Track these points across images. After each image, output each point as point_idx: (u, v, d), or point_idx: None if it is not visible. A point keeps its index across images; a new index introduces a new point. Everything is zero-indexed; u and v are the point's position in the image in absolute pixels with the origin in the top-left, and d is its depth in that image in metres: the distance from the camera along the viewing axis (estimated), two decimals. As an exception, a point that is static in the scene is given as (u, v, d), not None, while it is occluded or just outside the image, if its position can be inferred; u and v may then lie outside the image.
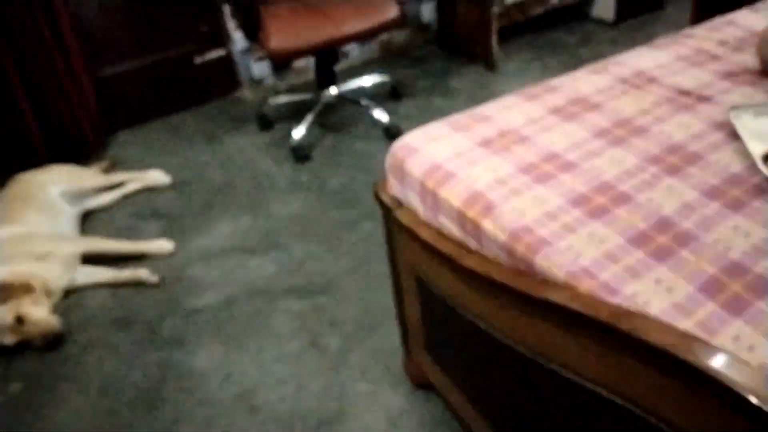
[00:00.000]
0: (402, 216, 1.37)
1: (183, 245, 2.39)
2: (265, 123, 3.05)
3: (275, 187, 2.65)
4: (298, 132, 2.82)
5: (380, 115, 2.87)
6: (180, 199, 2.65)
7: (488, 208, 1.16)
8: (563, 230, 1.08)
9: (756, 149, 1.18)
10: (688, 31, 1.73)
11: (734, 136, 1.25)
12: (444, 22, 3.54)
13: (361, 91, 3.16)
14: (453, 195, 1.23)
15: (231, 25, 3.11)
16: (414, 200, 1.34)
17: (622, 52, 1.69)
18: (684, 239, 1.02)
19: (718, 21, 1.77)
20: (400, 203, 1.40)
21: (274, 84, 3.36)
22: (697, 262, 0.98)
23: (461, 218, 1.21)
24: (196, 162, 2.86)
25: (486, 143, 1.33)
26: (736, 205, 1.09)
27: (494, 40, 3.25)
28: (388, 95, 3.18)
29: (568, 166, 1.22)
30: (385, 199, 1.43)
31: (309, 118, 2.85)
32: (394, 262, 1.55)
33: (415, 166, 1.32)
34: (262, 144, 2.95)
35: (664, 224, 1.06)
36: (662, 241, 1.03)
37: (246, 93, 3.32)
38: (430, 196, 1.28)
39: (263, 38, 2.52)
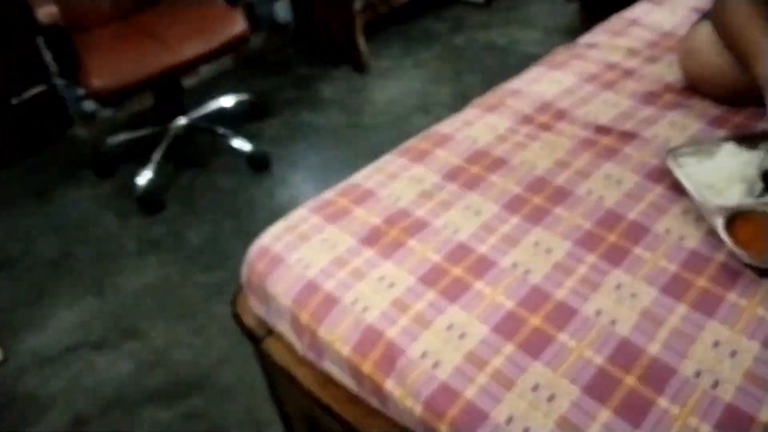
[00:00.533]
0: (273, 350, 1.00)
1: (13, 349, 1.89)
2: (105, 168, 2.54)
3: (123, 252, 2.18)
4: (145, 176, 2.35)
5: (241, 143, 2.46)
6: (5, 284, 2.13)
7: (391, 360, 0.83)
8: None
9: (714, 217, 0.91)
10: (588, 38, 1.47)
11: (677, 188, 0.99)
12: (302, 22, 3.14)
13: (217, 115, 2.71)
14: (339, 336, 0.88)
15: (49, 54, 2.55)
16: (286, 331, 0.98)
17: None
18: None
19: (618, 20, 1.52)
20: (269, 329, 1.04)
21: (112, 116, 2.83)
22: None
23: (355, 372, 0.87)
24: (23, 230, 2.33)
25: (372, 238, 1.00)
26: (708, 304, 0.83)
27: (361, 39, 2.90)
28: (248, 114, 2.76)
29: (490, 273, 0.90)
30: (248, 322, 1.06)
31: (156, 156, 2.38)
32: (277, 399, 1.18)
33: (281, 288, 0.96)
34: (103, 195, 2.45)
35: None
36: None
37: (79, 131, 2.77)
38: (308, 333, 0.92)
39: (82, 76, 2.03)
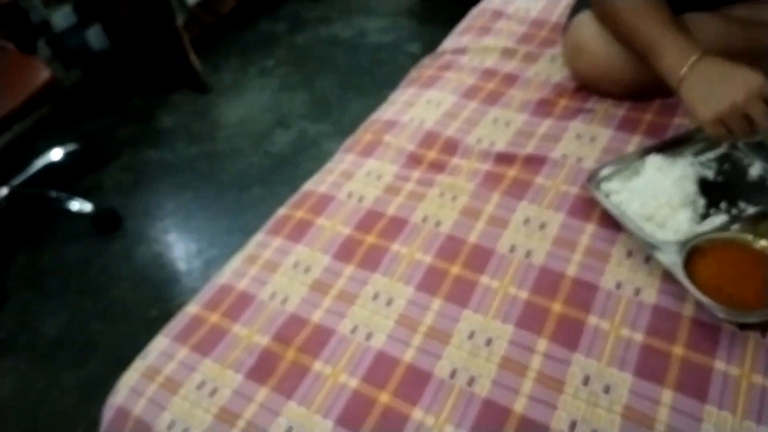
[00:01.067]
0: None
1: None
2: None
3: (-38, 368, 1.80)
4: (-30, 267, 1.95)
5: (80, 204, 2.10)
6: None
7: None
8: None
9: (666, 258, 0.79)
10: (453, 42, 1.30)
11: (609, 221, 0.87)
12: (121, 47, 2.76)
13: (44, 175, 2.31)
14: None
15: None
16: None
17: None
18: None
19: (480, 14, 1.38)
20: None
21: None
22: None
23: None
24: None
25: (262, 370, 0.79)
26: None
27: (193, 56, 2.59)
28: (82, 166, 2.38)
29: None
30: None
31: (-21, 241, 1.98)
32: None
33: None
34: None
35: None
36: None
37: None
38: None
39: None
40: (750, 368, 0.69)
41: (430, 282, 0.84)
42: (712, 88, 0.83)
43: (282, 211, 1.00)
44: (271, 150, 2.27)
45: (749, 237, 0.80)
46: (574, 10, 1.12)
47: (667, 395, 0.68)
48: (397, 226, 0.93)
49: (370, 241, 0.91)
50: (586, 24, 1.05)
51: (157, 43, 2.61)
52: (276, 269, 0.90)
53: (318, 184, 1.03)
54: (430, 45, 2.33)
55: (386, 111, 1.16)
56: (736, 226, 0.81)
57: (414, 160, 1.03)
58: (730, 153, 0.93)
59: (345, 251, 0.91)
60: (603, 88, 1.07)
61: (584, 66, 1.07)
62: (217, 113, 2.55)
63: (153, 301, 1.83)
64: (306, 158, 2.20)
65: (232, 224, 2.02)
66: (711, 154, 0.94)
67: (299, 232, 0.95)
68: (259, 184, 2.13)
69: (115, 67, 2.86)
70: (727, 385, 0.68)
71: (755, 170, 0.90)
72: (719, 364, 0.70)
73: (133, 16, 2.61)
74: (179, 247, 1.99)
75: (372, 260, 0.88)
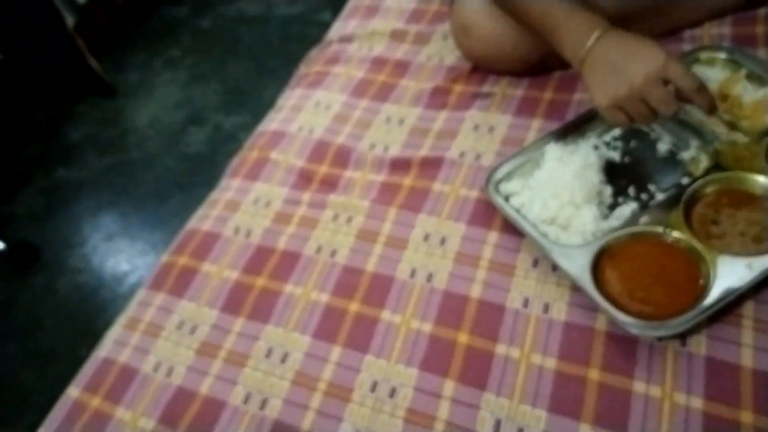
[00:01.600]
0: None
1: None
2: None
3: None
4: None
5: (-9, 241, 1.96)
6: None
7: None
8: None
9: (573, 268, 0.72)
10: (339, 29, 1.18)
11: (513, 228, 0.79)
12: (13, 55, 2.55)
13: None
14: None
15: None
16: None
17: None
18: None
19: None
20: None
21: None
22: None
23: None
24: None
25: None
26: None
27: (92, 59, 2.40)
28: (-10, 193, 2.22)
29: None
30: None
31: None
32: None
33: None
34: None
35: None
36: None
37: None
38: None
39: None
40: (671, 386, 0.63)
41: (329, 326, 0.76)
42: (610, 70, 0.73)
43: (164, 258, 0.90)
44: (187, 151, 2.14)
45: (660, 229, 0.73)
46: None
47: (585, 430, 0.62)
48: (289, 263, 0.84)
49: (260, 285, 0.83)
50: (472, 1, 0.95)
51: (51, 50, 2.42)
52: (159, 333, 0.81)
53: (201, 220, 0.93)
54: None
55: (273, 120, 1.06)
56: (645, 218, 0.74)
57: (304, 179, 0.94)
58: (637, 130, 0.85)
59: (233, 301, 0.82)
60: (497, 68, 0.98)
61: (474, 47, 0.97)
62: (127, 117, 2.39)
63: (82, 337, 1.73)
64: (224, 155, 2.05)
65: (154, 239, 1.90)
66: (616, 132, 0.86)
67: (183, 283, 0.86)
68: (178, 191, 2.01)
69: (11, 81, 2.66)
70: (649, 411, 0.62)
71: (664, 145, 0.83)
72: (638, 386, 0.64)
73: (20, 22, 2.40)
74: (103, 274, 1.88)
75: (264, 308, 0.80)
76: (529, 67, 0.96)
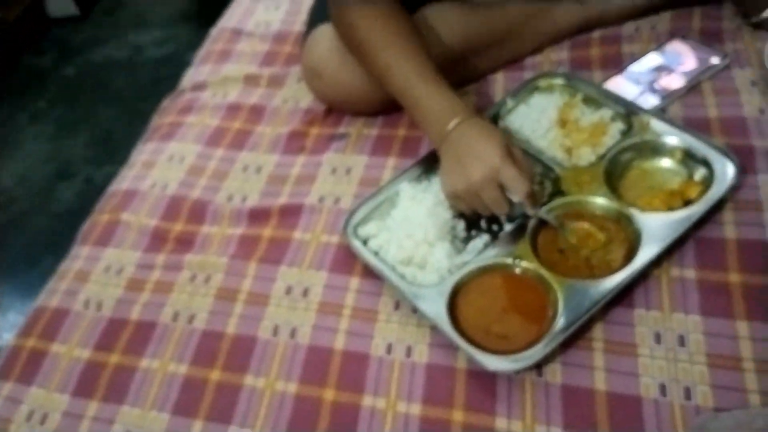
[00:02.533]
0: None
1: None
2: None
3: None
4: None
5: None
6: None
7: None
8: None
9: (432, 304, 0.71)
10: (192, 76, 1.15)
11: (376, 275, 0.78)
12: None
13: None
14: None
15: None
16: None
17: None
18: None
19: (219, 35, 1.23)
20: None
21: None
22: None
23: None
24: None
25: None
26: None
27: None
28: None
29: None
30: None
31: None
32: None
33: None
34: None
35: None
36: None
37: None
38: None
39: None
40: (531, 419, 0.64)
41: (188, 400, 0.72)
42: (456, 162, 0.75)
43: (12, 342, 0.83)
44: (57, 209, 2.02)
45: (509, 260, 0.74)
46: (311, 23, 1.01)
47: (452, 478, 0.62)
48: (144, 334, 0.79)
49: (114, 362, 0.77)
50: (322, 41, 0.94)
51: None
52: (7, 428, 0.74)
53: (50, 295, 0.86)
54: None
55: (124, 178, 1.00)
56: (496, 250, 0.75)
57: (158, 239, 0.89)
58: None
59: (85, 384, 0.76)
60: (350, 109, 0.98)
61: (325, 89, 0.96)
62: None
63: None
64: (98, 210, 1.98)
65: (27, 308, 1.77)
66: (466, 165, 0.87)
67: (32, 368, 0.79)
68: (50, 254, 1.88)
69: None
70: (511, 448, 0.62)
71: (511, 174, 0.85)
72: (500, 422, 0.64)
73: None
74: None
75: (118, 388, 0.75)
76: (381, 107, 0.96)
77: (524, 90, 0.93)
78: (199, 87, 1.12)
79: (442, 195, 0.81)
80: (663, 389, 0.64)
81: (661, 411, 0.62)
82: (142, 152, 1.04)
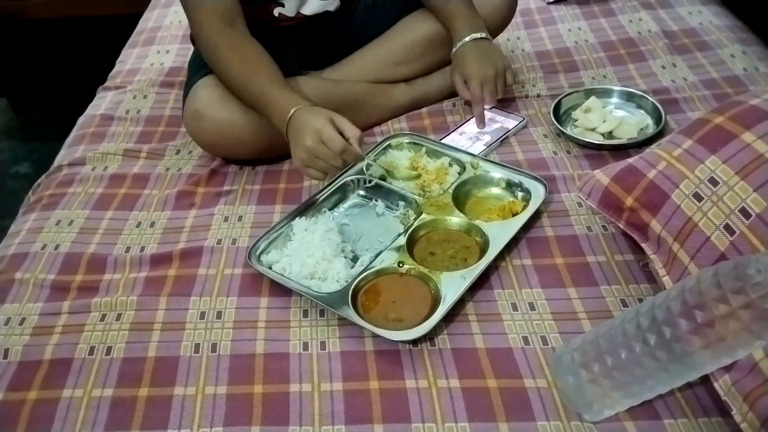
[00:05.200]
0: None
1: None
2: None
3: None
4: None
5: None
6: None
7: None
8: None
9: (337, 305, 0.85)
10: (67, 154, 1.21)
11: (285, 291, 0.90)
12: None
13: None
14: None
15: None
16: None
17: None
18: None
19: (88, 120, 1.30)
20: None
21: None
22: None
23: None
24: None
25: None
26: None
27: None
28: None
29: None
30: None
31: None
32: None
33: None
34: None
35: None
36: None
37: None
38: None
39: None
40: (433, 376, 0.78)
41: (119, 417, 0.76)
42: (294, 137, 0.95)
43: None
44: None
45: (394, 265, 0.91)
46: (191, 74, 1.17)
47: (379, 430, 0.73)
48: (61, 370, 0.81)
49: (33, 398, 0.78)
50: (204, 89, 1.09)
51: None
52: None
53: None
54: (42, 162, 2.10)
55: (9, 245, 1.02)
56: (382, 260, 0.92)
57: (60, 290, 0.93)
58: (359, 201, 1.06)
59: (2, 424, 0.76)
60: (228, 153, 1.13)
61: (205, 130, 1.10)
62: None
63: None
64: None
65: None
66: (344, 206, 1.05)
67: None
68: None
69: None
70: (423, 399, 0.76)
71: (380, 209, 1.04)
72: (410, 383, 0.78)
73: None
74: None
75: (42, 420, 0.76)
76: (257, 150, 1.11)
77: (380, 147, 1.14)
78: (78, 162, 1.18)
79: (330, 224, 0.97)
80: (526, 340, 0.82)
81: (528, 355, 0.81)
82: (25, 221, 1.06)
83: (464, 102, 1.27)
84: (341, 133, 0.94)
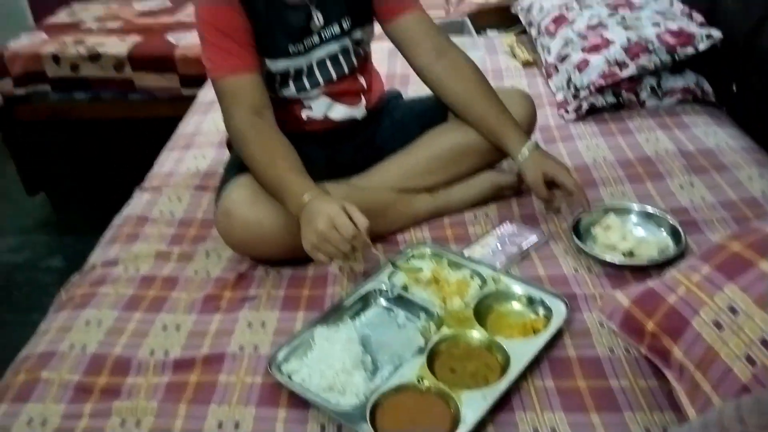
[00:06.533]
0: None
1: None
2: None
3: None
4: None
5: None
6: None
7: None
8: None
9: (355, 421, 0.85)
10: (101, 254, 1.26)
11: (303, 403, 0.90)
12: None
13: None
14: None
15: None
16: None
17: None
18: None
19: (124, 221, 1.36)
20: None
21: None
22: None
23: None
24: None
25: None
26: None
27: None
28: None
29: None
30: None
31: None
32: None
33: None
34: None
35: None
36: None
37: None
38: None
39: None
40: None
41: None
42: (307, 223, 1.02)
43: None
44: None
45: (414, 381, 0.91)
46: (225, 178, 1.23)
47: None
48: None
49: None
50: (236, 189, 1.16)
51: None
52: None
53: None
54: (75, 257, 2.16)
55: (38, 343, 1.05)
56: (402, 374, 0.92)
57: (83, 392, 0.94)
58: (381, 310, 1.07)
59: None
60: (254, 252, 1.17)
61: (235, 229, 1.15)
62: None
63: None
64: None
65: None
66: (366, 315, 1.07)
67: None
68: None
69: None
70: None
71: (401, 320, 1.05)
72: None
73: None
74: None
75: None
76: (283, 251, 1.15)
77: (402, 257, 1.17)
78: (111, 263, 1.22)
79: (352, 334, 0.98)
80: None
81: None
82: (55, 320, 1.09)
83: (485, 214, 1.30)
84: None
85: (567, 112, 1.67)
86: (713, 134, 1.52)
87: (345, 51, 1.26)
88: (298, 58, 1.21)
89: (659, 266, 1.10)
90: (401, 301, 1.08)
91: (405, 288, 1.09)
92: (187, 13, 2.69)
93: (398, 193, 1.29)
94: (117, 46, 2.39)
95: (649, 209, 1.25)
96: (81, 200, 2.69)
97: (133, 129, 2.44)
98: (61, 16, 2.81)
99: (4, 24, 3.27)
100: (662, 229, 1.22)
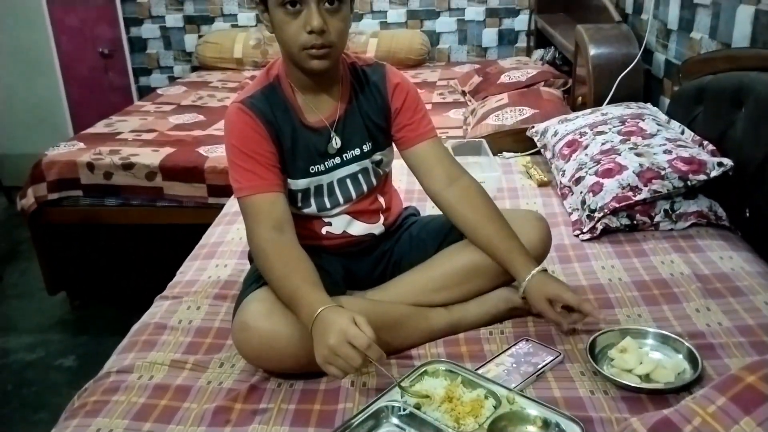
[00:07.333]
0: None
1: None
2: None
3: None
4: None
5: None
6: None
7: None
8: None
9: None
10: (116, 360, 1.27)
11: None
12: None
13: None
14: None
15: None
16: None
17: None
18: None
19: (142, 328, 1.38)
20: None
21: None
22: None
23: None
24: None
25: None
26: None
27: None
28: None
29: None
30: None
31: None
32: None
33: None
34: None
35: None
36: None
37: None
38: None
39: None
40: None
41: None
42: (319, 338, 1.03)
43: None
44: None
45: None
46: (244, 289, 1.25)
47: None
48: None
49: None
50: (254, 303, 1.18)
51: None
52: None
53: None
54: (87, 357, 2.19)
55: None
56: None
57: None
58: (392, 429, 1.06)
59: None
60: (268, 364, 1.17)
61: (251, 341, 1.15)
62: None
63: None
64: None
65: None
66: (378, 432, 1.05)
67: None
68: None
69: None
70: None
71: (414, 438, 1.04)
72: None
73: None
74: None
75: None
76: (298, 364, 1.15)
77: (415, 373, 1.17)
78: (125, 371, 1.22)
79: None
80: None
81: None
82: (67, 428, 1.09)
83: (500, 331, 1.30)
84: None
85: (582, 231, 1.70)
86: (728, 258, 1.53)
87: (365, 171, 1.33)
88: (319, 177, 1.27)
89: (677, 392, 1.08)
90: (413, 419, 1.06)
91: (418, 406, 1.08)
92: (218, 127, 2.84)
93: (413, 307, 1.30)
94: (150, 156, 2.51)
95: (666, 332, 1.24)
96: (100, 302, 2.72)
97: (159, 234, 2.52)
98: (99, 127, 2.98)
99: (46, 133, 3.47)
100: (679, 352, 1.21)
